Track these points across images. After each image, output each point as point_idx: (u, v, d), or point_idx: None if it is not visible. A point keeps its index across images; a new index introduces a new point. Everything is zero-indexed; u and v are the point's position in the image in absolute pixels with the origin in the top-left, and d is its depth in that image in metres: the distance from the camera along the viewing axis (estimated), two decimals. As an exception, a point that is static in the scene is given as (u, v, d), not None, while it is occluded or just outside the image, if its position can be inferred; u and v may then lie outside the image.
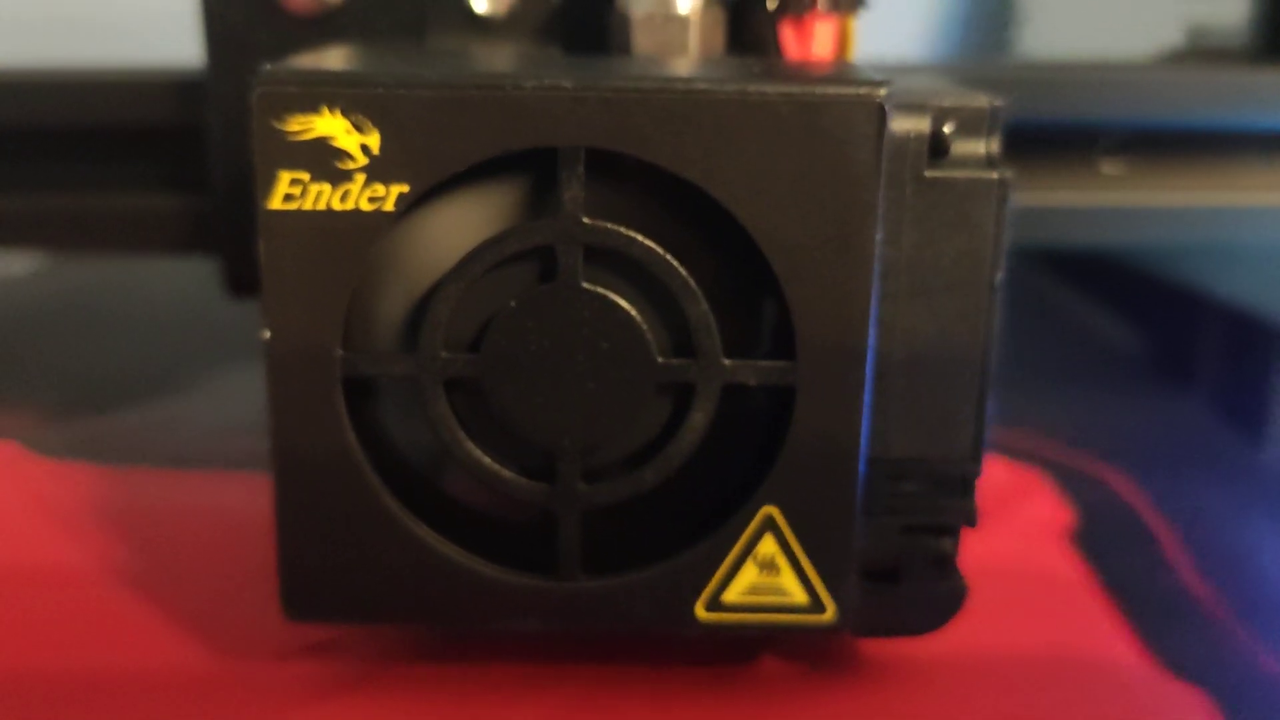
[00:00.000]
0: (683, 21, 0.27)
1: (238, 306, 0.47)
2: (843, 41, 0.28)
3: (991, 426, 0.25)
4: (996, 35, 0.78)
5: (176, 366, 0.45)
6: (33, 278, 0.57)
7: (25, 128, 0.33)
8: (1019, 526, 0.33)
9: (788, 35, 0.27)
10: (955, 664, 0.27)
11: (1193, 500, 0.36)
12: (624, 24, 0.28)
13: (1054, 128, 0.36)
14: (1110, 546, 0.32)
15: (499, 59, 0.27)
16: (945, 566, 0.25)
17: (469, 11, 0.30)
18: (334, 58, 0.26)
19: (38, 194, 0.33)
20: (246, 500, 0.30)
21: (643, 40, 0.28)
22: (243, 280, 0.33)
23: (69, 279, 0.57)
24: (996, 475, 0.32)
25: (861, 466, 0.24)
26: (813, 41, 0.27)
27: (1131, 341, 0.51)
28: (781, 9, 0.26)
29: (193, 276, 0.56)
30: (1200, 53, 0.47)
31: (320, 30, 0.30)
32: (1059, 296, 0.55)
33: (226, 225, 0.32)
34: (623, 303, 0.23)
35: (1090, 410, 0.43)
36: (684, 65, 0.26)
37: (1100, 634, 0.29)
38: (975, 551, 0.27)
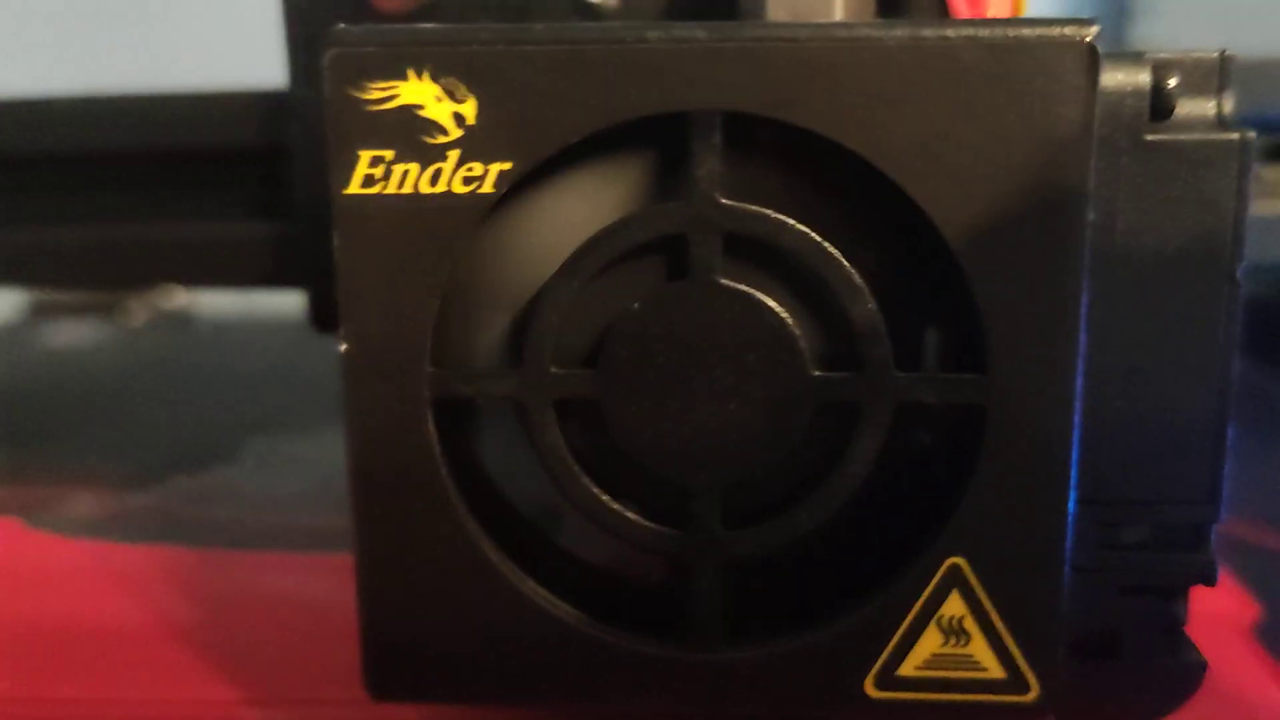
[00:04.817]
0: (827, -10, 0.24)
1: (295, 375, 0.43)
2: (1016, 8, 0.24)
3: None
4: (1114, 28, 0.75)
5: (227, 436, 0.41)
6: (84, 346, 0.55)
7: (99, 154, 0.30)
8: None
9: (956, -1, 0.23)
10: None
11: None
12: (759, -3, 0.24)
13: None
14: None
15: None
16: (1175, 636, 0.20)
17: (578, 0, 0.27)
18: None
19: (114, 225, 0.31)
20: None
21: (779, 12, 0.24)
22: (329, 314, 0.29)
23: (115, 351, 0.55)
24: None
25: (1071, 508, 0.19)
26: (987, 4, 0.23)
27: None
28: (948, -33, 0.22)
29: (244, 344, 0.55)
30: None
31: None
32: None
33: (312, 253, 0.29)
34: (771, 302, 0.19)
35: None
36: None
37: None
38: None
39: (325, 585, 0.28)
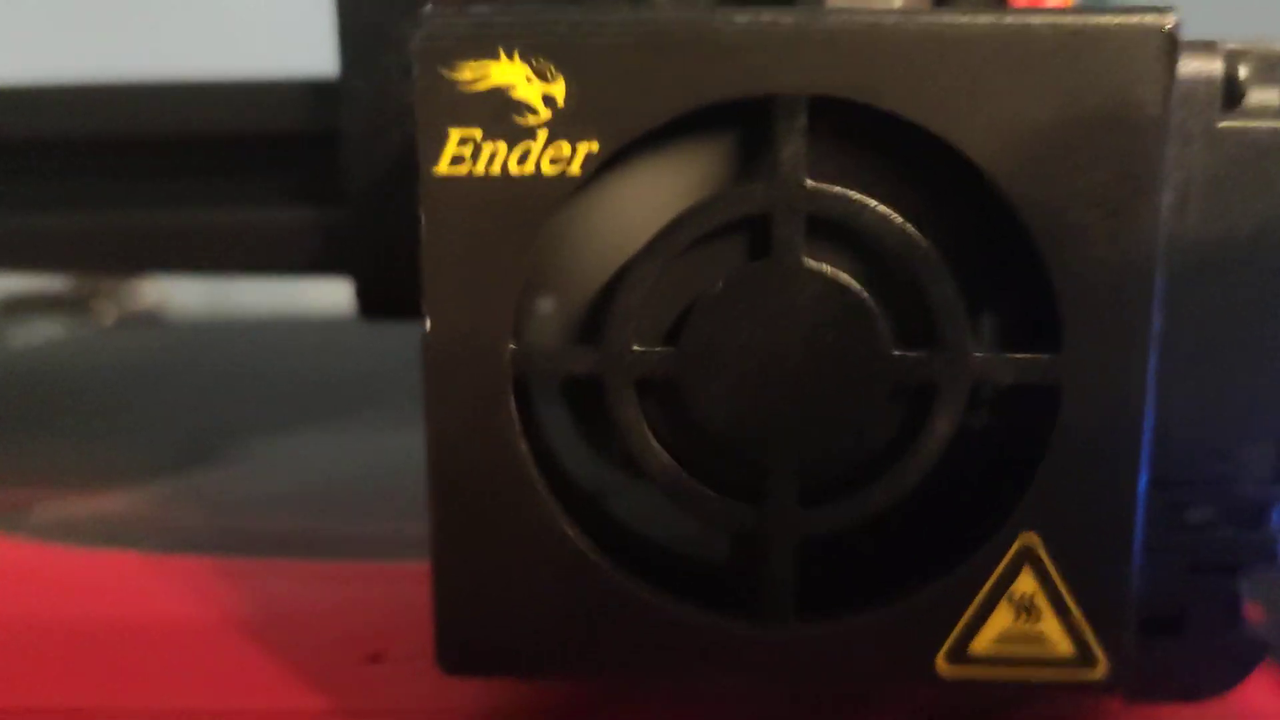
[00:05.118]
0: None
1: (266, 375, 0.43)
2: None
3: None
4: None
5: (200, 437, 0.41)
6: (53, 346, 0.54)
7: (146, 139, 0.30)
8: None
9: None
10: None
11: None
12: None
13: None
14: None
15: None
16: (1236, 613, 0.21)
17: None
18: None
19: (157, 211, 0.31)
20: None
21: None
22: (377, 301, 0.29)
23: (85, 350, 0.54)
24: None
25: (1141, 486, 0.19)
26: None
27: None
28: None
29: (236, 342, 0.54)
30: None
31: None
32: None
33: (361, 240, 0.29)
34: (853, 283, 0.19)
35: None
36: None
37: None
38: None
39: (309, 591, 0.28)
